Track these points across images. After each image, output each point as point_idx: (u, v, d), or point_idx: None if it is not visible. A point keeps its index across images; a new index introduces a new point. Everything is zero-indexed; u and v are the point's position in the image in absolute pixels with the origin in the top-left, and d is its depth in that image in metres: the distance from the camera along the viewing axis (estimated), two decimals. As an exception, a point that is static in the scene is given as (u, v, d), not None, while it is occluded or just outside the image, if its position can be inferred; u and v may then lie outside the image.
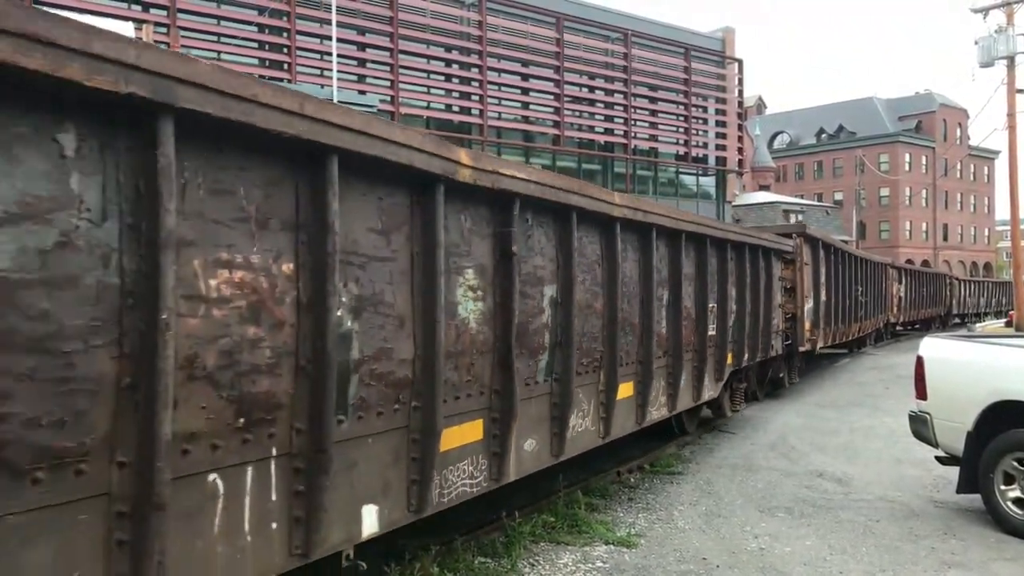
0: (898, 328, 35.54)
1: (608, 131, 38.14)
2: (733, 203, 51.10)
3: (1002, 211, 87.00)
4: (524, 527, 6.89)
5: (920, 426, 8.22)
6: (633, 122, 38.65)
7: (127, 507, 3.06)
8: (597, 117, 37.97)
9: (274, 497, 3.73)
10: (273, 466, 3.72)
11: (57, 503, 2.85)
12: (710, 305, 9.77)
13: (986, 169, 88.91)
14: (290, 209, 3.79)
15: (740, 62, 44.66)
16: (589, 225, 6.78)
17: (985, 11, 29.62)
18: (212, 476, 3.42)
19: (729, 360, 10.88)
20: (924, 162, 79.83)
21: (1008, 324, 33.17)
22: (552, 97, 35.43)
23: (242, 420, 3.55)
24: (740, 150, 45.51)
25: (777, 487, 9.08)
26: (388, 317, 4.47)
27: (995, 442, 7.39)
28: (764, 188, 67.80)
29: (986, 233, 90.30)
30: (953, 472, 8.02)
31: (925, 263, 71.18)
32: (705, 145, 42.95)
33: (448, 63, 32.31)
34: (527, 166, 5.82)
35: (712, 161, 43.72)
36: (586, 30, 36.82)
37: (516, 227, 5.52)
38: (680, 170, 43.04)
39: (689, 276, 9.17)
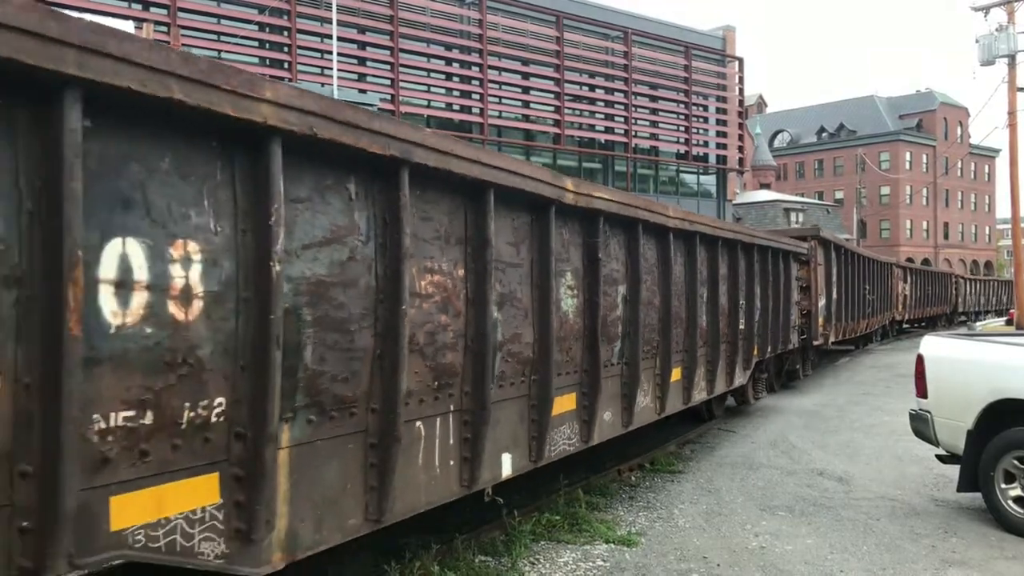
0: (904, 325, 36.20)
1: (609, 130, 38.15)
2: (734, 201, 51.13)
3: (1003, 209, 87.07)
4: (525, 526, 6.89)
5: (921, 424, 8.22)
6: (634, 121, 38.66)
7: (375, 440, 4.39)
8: (598, 116, 37.99)
9: (451, 442, 5.09)
10: (451, 419, 5.09)
11: (340, 435, 4.18)
12: (740, 302, 11.06)
13: (987, 168, 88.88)
14: (462, 229, 5.12)
15: (741, 60, 44.65)
16: (649, 235, 8.01)
17: (986, 9, 29.57)
18: (418, 423, 4.75)
19: (755, 351, 12.13)
20: (925, 160, 79.80)
21: (1009, 322, 33.16)
22: (552, 96, 35.43)
23: (436, 383, 4.91)
24: (741, 148, 45.52)
25: (778, 485, 9.09)
26: (518, 310, 5.80)
27: (996, 440, 7.38)
28: (765, 187, 67.84)
29: (987, 232, 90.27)
30: (954, 470, 8.02)
31: (926, 261, 71.15)
32: (706, 144, 42.96)
33: (448, 62, 32.31)
34: (608, 188, 7.11)
35: (713, 160, 43.72)
36: (586, 28, 36.82)
37: (600, 238, 6.81)
38: (681, 169, 43.06)
39: (724, 276, 10.34)
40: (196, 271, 3.35)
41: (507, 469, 5.73)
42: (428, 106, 31.69)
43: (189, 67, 3.11)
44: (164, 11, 24.62)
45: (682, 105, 41.00)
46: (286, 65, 26.86)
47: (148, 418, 3.16)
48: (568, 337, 6.50)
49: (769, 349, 13.05)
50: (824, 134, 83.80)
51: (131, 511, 3.12)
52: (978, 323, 42.17)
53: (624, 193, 7.46)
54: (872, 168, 71.63)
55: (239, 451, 3.54)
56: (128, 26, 18.06)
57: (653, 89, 39.82)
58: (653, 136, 40.45)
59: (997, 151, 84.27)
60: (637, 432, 8.44)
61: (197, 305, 3.36)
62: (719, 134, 43.65)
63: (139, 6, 24.95)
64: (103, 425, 3.00)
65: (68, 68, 2.71)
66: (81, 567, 2.89)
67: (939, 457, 8.32)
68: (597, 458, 9.12)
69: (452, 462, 5.10)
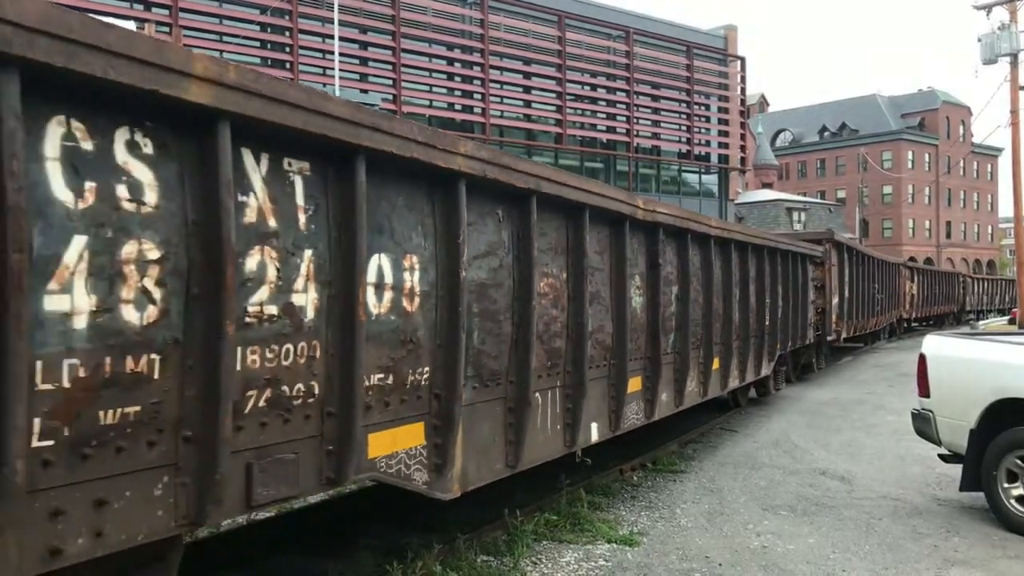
0: (912, 324, 37.24)
1: (611, 129, 38.14)
2: (736, 201, 51.10)
3: (1005, 208, 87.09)
4: (527, 525, 6.89)
5: (923, 424, 8.21)
6: (636, 120, 38.63)
7: (512, 405, 5.81)
8: (599, 115, 37.98)
9: (558, 410, 6.48)
10: (558, 392, 6.47)
11: (491, 399, 5.58)
12: (766, 301, 12.51)
13: (989, 166, 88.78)
14: (565, 242, 6.49)
15: (742, 60, 44.62)
16: (695, 242, 9.33)
17: (988, 8, 29.55)
18: (536, 394, 6.04)
19: (778, 345, 13.68)
20: (927, 159, 79.72)
21: (1012, 321, 33.11)
22: (554, 95, 35.42)
23: (549, 363, 6.28)
24: (743, 148, 45.47)
25: (780, 485, 9.08)
26: (602, 306, 7.18)
27: (998, 440, 7.37)
28: (767, 186, 67.77)
29: (989, 230, 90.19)
30: (956, 470, 8.01)
31: (928, 261, 71.08)
32: (708, 143, 42.94)
33: (450, 61, 32.31)
34: (666, 203, 8.58)
35: (715, 159, 43.70)
36: (588, 28, 36.80)
37: (659, 246, 8.16)
38: (683, 168, 43.03)
39: (753, 278, 11.70)
40: (415, 277, 4.77)
41: (595, 435, 7.08)
42: (430, 106, 31.69)
43: (423, 134, 4.50)
44: (166, 11, 24.63)
45: (684, 104, 40.98)
46: (288, 65, 26.87)
47: (389, 380, 4.55)
48: (636, 329, 7.84)
49: (789, 343, 14.55)
50: (826, 133, 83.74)
51: (379, 445, 4.50)
52: (981, 322, 42.16)
53: (675, 207, 8.97)
54: (874, 167, 71.57)
55: (436, 407, 4.95)
56: (130, 26, 18.07)
57: (655, 88, 39.79)
58: (655, 136, 40.41)
59: (999, 150, 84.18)
60: (634, 434, 8.45)
61: (416, 301, 4.76)
62: (721, 133, 43.62)
63: (140, 6, 24.96)
64: (367, 383, 4.32)
65: (362, 141, 4.06)
66: (357, 480, 4.43)
67: (941, 456, 8.32)
68: (598, 457, 9.13)
69: (559, 427, 6.50)
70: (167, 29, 23.86)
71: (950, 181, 79.89)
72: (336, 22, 25.52)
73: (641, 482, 9.11)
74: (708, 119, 43.00)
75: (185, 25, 24.74)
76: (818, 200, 70.14)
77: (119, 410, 3.11)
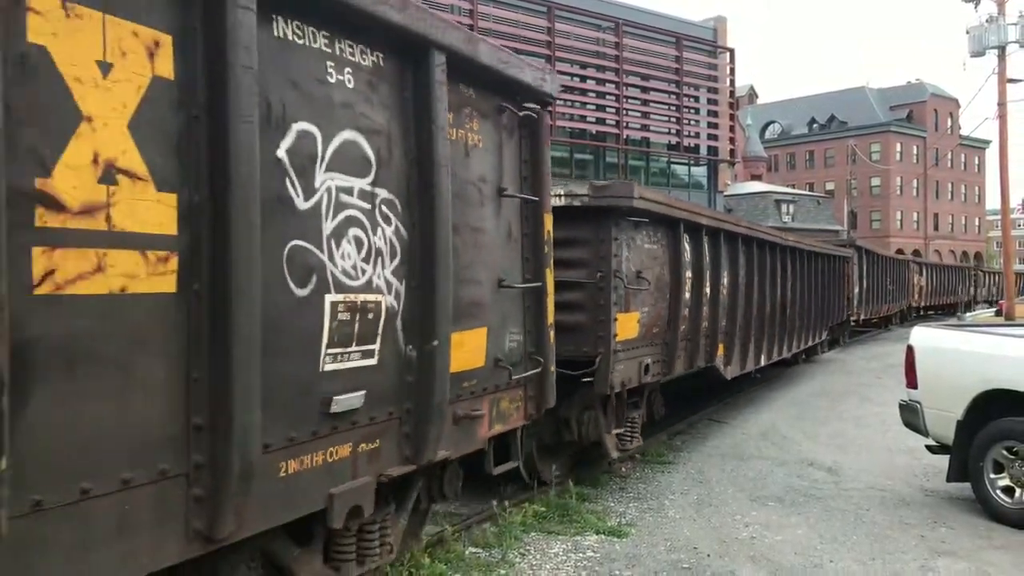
0: (923, 311, 41.84)
1: (600, 121, 38.05)
2: (725, 193, 51.14)
3: (992, 200, 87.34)
4: (515, 517, 6.89)
5: (910, 415, 8.24)
6: (625, 112, 38.57)
7: (746, 342, 12.30)
8: (589, 107, 37.89)
9: (751, 349, 12.46)
10: (750, 340, 12.18)
11: (744, 338, 11.85)
12: (822, 291, 18.21)
13: (976, 159, 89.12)
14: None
15: (732, 51, 44.56)
16: (785, 252, 14.00)
17: (976, 0, 29.63)
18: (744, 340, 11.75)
19: (827, 321, 19.65)
20: (915, 152, 79.96)
21: (998, 313, 33.31)
22: (544, 86, 35.28)
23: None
24: (732, 140, 45.44)
25: (768, 476, 9.11)
26: (765, 296, 12.92)
27: (985, 431, 7.41)
28: (756, 178, 67.82)
29: (976, 223, 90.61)
30: (943, 461, 8.04)
31: (916, 253, 71.39)
32: (697, 135, 42.90)
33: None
34: (732, 216, 13.23)
35: (704, 151, 43.68)
36: (577, 19, 36.68)
37: (768, 253, 12.71)
38: (672, 160, 43.01)
39: (812, 273, 17.03)
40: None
41: (762, 362, 13.37)
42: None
43: (688, 206, 9.40)
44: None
45: (673, 96, 40.91)
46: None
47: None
48: (764, 307, 12.95)
49: (832, 320, 20.67)
50: (815, 125, 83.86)
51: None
52: (968, 314, 42.49)
53: (745, 221, 12.98)
54: (863, 159, 71.74)
55: (728, 340, 11.39)
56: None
57: (644, 80, 39.71)
58: (644, 127, 40.33)
59: (987, 142, 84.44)
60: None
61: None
62: (710, 125, 43.58)
63: None
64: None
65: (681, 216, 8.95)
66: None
67: (929, 447, 8.35)
68: (586, 449, 9.14)
69: (761, 353, 13.32)
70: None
71: (938, 173, 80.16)
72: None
73: (630, 473, 9.12)
74: (697, 111, 42.96)
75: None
76: (807, 192, 70.26)
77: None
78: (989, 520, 7.34)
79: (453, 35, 4.77)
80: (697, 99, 42.98)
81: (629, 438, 8.69)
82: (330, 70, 4.01)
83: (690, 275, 9.64)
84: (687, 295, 9.54)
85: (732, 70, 44.81)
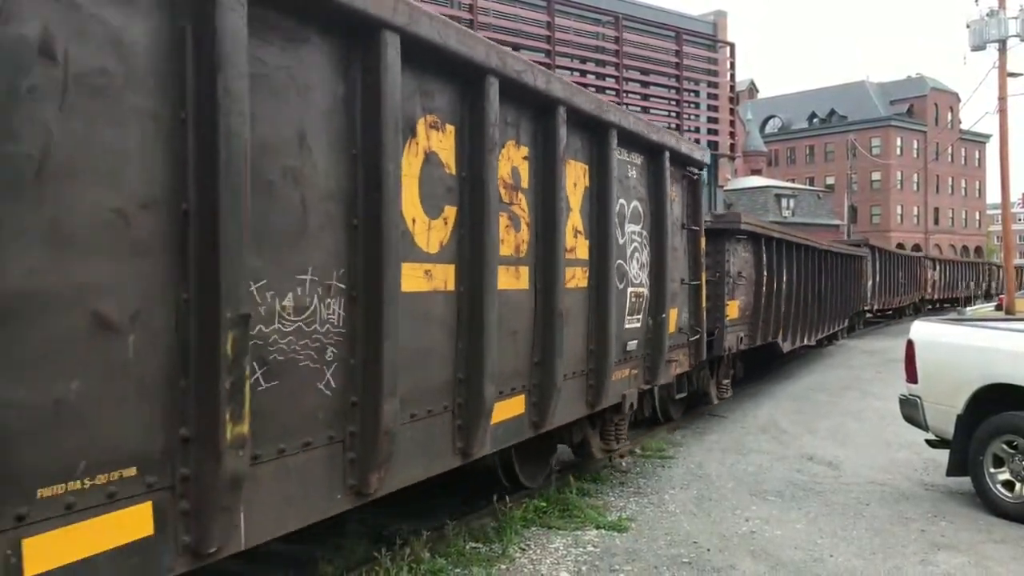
0: (937, 304, 44.58)
1: (600, 115, 37.99)
2: (725, 187, 51.06)
3: (993, 195, 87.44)
4: (515, 512, 6.89)
5: (910, 409, 8.24)
6: (625, 106, 38.52)
7: (792, 322, 16.27)
8: (589, 101, 37.83)
9: (797, 329, 16.76)
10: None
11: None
12: (842, 285, 22.05)
13: (977, 153, 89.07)
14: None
15: (732, 46, 44.45)
16: (805, 252, 16.59)
17: (977, -6, 29.56)
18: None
19: (845, 311, 23.67)
20: (915, 146, 79.89)
21: (998, 308, 33.30)
22: (544, 81, 35.24)
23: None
24: (732, 134, 45.28)
25: (768, 471, 9.11)
26: (812, 292, 17.73)
27: (985, 425, 7.41)
28: (756, 172, 67.79)
29: (977, 217, 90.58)
30: (943, 455, 8.04)
31: (916, 247, 71.35)
32: (697, 129, 42.77)
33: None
34: (788, 230, 16.35)
35: (704, 145, 43.62)
36: (577, 13, 36.62)
37: (812, 258, 17.01)
38: (672, 154, 42.93)
39: (836, 270, 20.53)
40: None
41: (805, 341, 17.32)
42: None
43: (766, 226, 14.17)
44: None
45: (673, 91, 40.85)
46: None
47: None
48: (807, 298, 16.72)
49: (851, 310, 25.16)
50: (815, 120, 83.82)
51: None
52: (968, 308, 42.54)
53: (792, 234, 16.31)
54: (863, 154, 71.72)
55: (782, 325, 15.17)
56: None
57: (644, 74, 39.63)
58: (645, 122, 40.30)
59: (987, 137, 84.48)
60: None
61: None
62: (710, 120, 43.45)
63: None
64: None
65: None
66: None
67: (928, 442, 8.35)
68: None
69: (803, 334, 17.37)
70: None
71: (938, 168, 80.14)
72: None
73: (630, 468, 9.12)
74: (697, 105, 42.82)
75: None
76: (807, 187, 70.24)
77: None
78: (989, 514, 7.34)
79: (672, 140, 8.59)
80: (697, 93, 42.86)
81: (725, 389, 12.94)
82: (630, 170, 7.61)
83: (766, 274, 13.65)
84: (764, 289, 13.64)
85: (732, 64, 44.70)
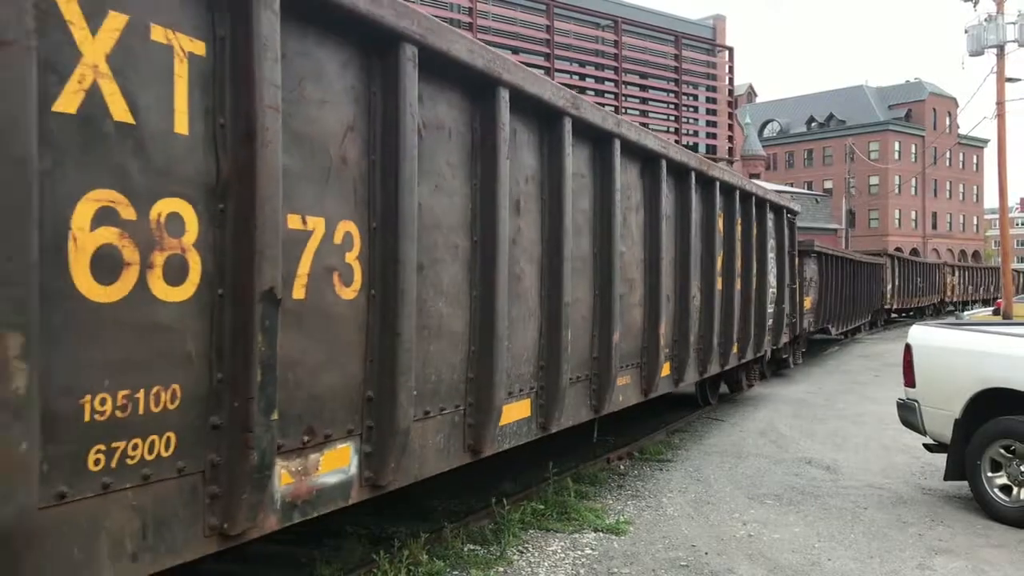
0: (958, 305, 49.12)
1: (599, 119, 38.01)
2: (723, 191, 51.05)
3: (991, 199, 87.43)
4: (513, 514, 6.89)
5: (908, 413, 8.25)
6: (624, 110, 38.55)
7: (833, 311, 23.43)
8: (588, 105, 37.87)
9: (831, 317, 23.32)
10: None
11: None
12: (866, 288, 28.24)
13: (975, 158, 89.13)
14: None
15: (731, 50, 44.46)
16: (843, 262, 23.53)
17: (975, -1, 29.62)
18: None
19: (870, 307, 29.54)
20: (913, 150, 79.93)
21: (996, 312, 33.33)
22: (543, 84, 35.25)
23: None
24: (731, 138, 45.26)
25: (766, 474, 9.12)
26: (850, 290, 25.49)
27: (982, 429, 7.42)
28: (754, 176, 67.67)
29: (975, 221, 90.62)
30: (941, 459, 8.06)
31: (914, 251, 71.45)
32: (696, 133, 42.76)
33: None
34: (838, 248, 28.74)
35: (703, 149, 43.51)
36: (576, 17, 36.66)
37: (838, 264, 23.05)
38: (671, 158, 42.96)
39: (861, 275, 26.72)
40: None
41: (843, 330, 25.01)
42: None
43: (825, 245, 22.53)
44: None
45: (672, 94, 40.89)
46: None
47: None
48: (843, 297, 23.57)
49: (872, 308, 30.78)
50: (813, 124, 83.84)
51: None
52: (966, 312, 42.63)
53: (831, 247, 23.09)
54: (861, 158, 71.75)
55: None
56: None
57: (643, 78, 39.68)
58: (643, 125, 40.37)
59: (985, 141, 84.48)
60: (625, 418, 8.45)
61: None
62: (709, 123, 43.45)
63: None
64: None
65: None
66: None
67: (926, 446, 8.37)
68: (587, 446, 9.16)
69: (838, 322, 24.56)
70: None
71: (936, 172, 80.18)
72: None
73: (628, 471, 9.13)
74: (696, 109, 42.83)
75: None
76: (805, 191, 70.25)
77: None
78: (986, 519, 7.35)
79: (794, 204, 14.69)
80: (696, 97, 42.87)
81: (800, 356, 18.80)
82: (770, 221, 13.22)
83: (823, 280, 20.22)
84: (822, 290, 20.27)
85: (731, 68, 44.70)
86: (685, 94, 42.08)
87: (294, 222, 3.82)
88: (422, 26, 4.53)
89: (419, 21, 4.52)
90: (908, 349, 8.25)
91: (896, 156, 78.49)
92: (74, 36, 2.84)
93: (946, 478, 7.84)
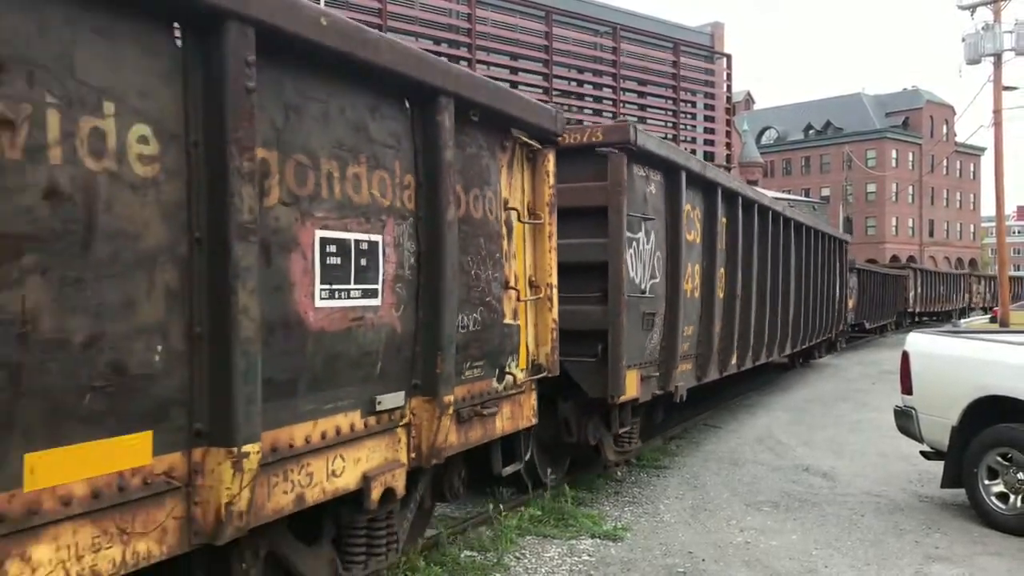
0: (984, 311, 51.78)
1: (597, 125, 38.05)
2: (721, 198, 51.09)
3: (988, 207, 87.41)
4: (511, 521, 6.89)
5: (905, 421, 8.25)
6: (622, 117, 38.60)
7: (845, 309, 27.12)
8: (586, 111, 37.91)
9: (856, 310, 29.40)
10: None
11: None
12: (892, 294, 35.62)
13: (972, 166, 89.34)
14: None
15: (729, 57, 44.56)
16: (873, 273, 31.35)
17: (972, 8, 29.69)
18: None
19: (894, 310, 36.57)
20: (911, 158, 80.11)
21: (993, 320, 33.38)
22: (541, 91, 35.27)
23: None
24: (728, 145, 45.31)
25: (763, 481, 9.12)
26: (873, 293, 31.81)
27: (979, 437, 7.43)
28: (752, 183, 67.64)
29: (971, 229, 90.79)
30: (938, 467, 8.06)
31: (911, 259, 71.53)
32: (693, 140, 42.87)
33: (437, 55, 32.14)
34: (873, 264, 38.58)
35: (700, 156, 43.68)
36: (575, 24, 36.71)
37: (871, 276, 31.30)
38: (668, 165, 42.95)
39: (887, 283, 34.17)
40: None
41: (874, 325, 32.45)
42: (416, 100, 31.49)
43: (863, 263, 30.99)
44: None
45: (670, 101, 40.96)
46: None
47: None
48: (874, 300, 31.36)
49: (896, 309, 36.47)
50: (811, 131, 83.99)
51: None
52: (963, 320, 42.70)
53: (877, 265, 32.69)
54: (858, 165, 71.94)
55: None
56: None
57: (641, 85, 39.74)
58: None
59: (982, 149, 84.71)
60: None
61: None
62: (707, 130, 43.55)
63: None
64: None
65: None
66: None
67: (923, 453, 8.36)
68: (584, 454, 9.16)
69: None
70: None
71: (933, 180, 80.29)
72: (322, 15, 25.33)
73: (625, 477, 9.12)
74: (694, 116, 42.89)
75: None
76: (803, 198, 70.37)
77: None
78: (983, 526, 7.36)
79: (845, 236, 22.05)
80: (694, 104, 42.95)
81: (844, 343, 25.71)
82: (833, 250, 20.09)
83: (861, 286, 27.15)
84: (860, 295, 27.11)
85: (729, 76, 44.77)
86: (683, 101, 42.12)
87: None
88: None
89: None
90: (905, 356, 8.26)
91: (893, 164, 78.65)
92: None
93: (943, 486, 7.85)
